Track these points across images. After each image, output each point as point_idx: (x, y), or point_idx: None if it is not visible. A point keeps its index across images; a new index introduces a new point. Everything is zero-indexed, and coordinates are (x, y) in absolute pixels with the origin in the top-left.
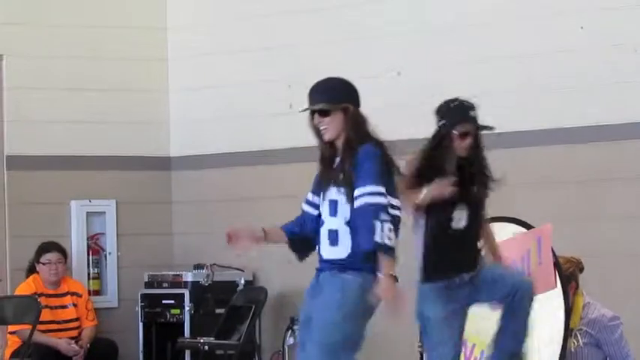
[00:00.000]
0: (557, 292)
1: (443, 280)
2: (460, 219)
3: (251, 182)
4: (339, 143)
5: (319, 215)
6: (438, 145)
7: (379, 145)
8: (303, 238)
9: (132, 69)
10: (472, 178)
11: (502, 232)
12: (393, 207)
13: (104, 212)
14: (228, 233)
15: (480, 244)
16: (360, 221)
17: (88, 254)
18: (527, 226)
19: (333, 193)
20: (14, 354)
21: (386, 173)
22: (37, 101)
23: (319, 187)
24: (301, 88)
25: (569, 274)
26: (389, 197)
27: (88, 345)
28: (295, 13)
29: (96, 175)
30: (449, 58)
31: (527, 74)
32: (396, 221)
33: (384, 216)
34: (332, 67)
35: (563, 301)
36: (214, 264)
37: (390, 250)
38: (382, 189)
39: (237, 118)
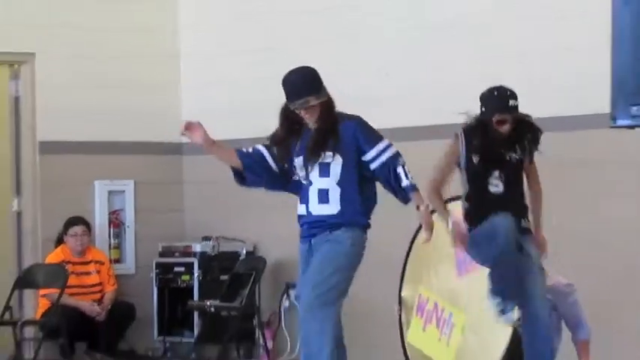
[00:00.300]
0: None
1: None
2: (497, 185)
3: None
4: (319, 124)
5: (284, 174)
6: (477, 128)
7: (353, 117)
8: (251, 169)
9: (149, 66)
10: (509, 149)
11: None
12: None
13: (124, 191)
14: (187, 123)
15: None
16: (391, 173)
17: (110, 227)
18: None
19: (327, 157)
20: (44, 315)
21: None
22: (65, 94)
23: (287, 155)
24: None
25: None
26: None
27: (109, 306)
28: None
29: (117, 158)
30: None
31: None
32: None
33: (402, 160)
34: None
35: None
36: (220, 236)
37: (416, 186)
38: (388, 141)
39: (241, 110)
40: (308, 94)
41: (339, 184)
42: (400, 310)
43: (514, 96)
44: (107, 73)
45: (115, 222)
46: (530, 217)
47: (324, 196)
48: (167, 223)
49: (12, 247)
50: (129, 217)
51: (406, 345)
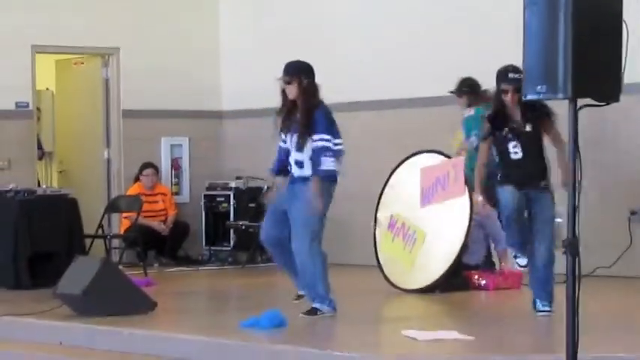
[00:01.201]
0: (465, 197)
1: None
2: (516, 152)
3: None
4: (299, 103)
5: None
6: (494, 105)
7: (323, 109)
8: (285, 167)
9: (200, 58)
10: (523, 122)
11: (432, 160)
12: (337, 144)
13: (181, 144)
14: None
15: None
16: (315, 157)
17: (171, 169)
18: (448, 157)
19: (302, 136)
20: (126, 231)
21: (332, 124)
22: (140, 77)
23: (285, 131)
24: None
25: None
26: (334, 139)
27: (171, 225)
28: None
29: (176, 121)
30: None
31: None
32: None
33: (329, 153)
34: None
35: (469, 199)
36: (248, 176)
37: (327, 172)
38: (328, 136)
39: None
40: (291, 75)
41: (310, 157)
42: (375, 225)
43: (516, 70)
44: (168, 63)
45: (176, 166)
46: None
47: (300, 165)
48: (211, 166)
49: (103, 183)
50: (185, 162)
51: (379, 251)
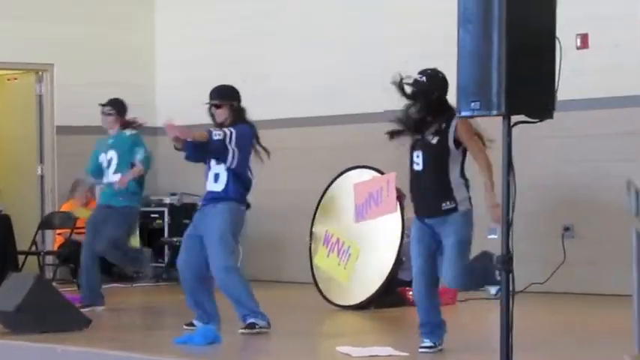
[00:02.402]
0: (397, 213)
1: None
2: (418, 163)
3: None
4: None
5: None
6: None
7: (247, 126)
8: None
9: (135, 73)
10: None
11: (365, 175)
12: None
13: None
14: (168, 124)
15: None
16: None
17: None
18: (381, 172)
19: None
20: (60, 247)
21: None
22: (74, 93)
23: None
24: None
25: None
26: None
27: None
28: None
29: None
30: None
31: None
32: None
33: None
34: None
35: (401, 216)
36: (183, 192)
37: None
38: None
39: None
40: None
41: (227, 169)
42: (310, 241)
43: (411, 78)
44: (103, 79)
45: None
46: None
47: (217, 178)
48: (146, 182)
49: (37, 200)
50: None
51: (313, 266)
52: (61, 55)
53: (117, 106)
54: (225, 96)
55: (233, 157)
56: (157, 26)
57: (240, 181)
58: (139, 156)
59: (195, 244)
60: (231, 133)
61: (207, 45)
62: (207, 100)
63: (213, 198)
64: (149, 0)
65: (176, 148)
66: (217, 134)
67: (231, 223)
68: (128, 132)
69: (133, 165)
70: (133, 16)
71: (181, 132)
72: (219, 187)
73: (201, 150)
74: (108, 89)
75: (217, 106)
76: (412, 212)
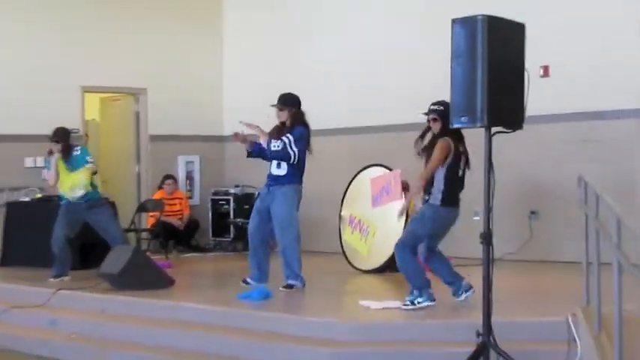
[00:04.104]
0: (402, 201)
1: None
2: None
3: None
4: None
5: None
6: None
7: (304, 126)
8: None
9: (208, 95)
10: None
11: (378, 172)
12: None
13: (193, 161)
14: (235, 134)
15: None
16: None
17: (186, 180)
18: (390, 169)
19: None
20: (152, 226)
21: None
22: (163, 111)
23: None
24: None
25: (406, 189)
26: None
27: (186, 221)
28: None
29: (190, 144)
30: None
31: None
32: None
33: (279, 156)
34: None
35: (405, 203)
36: (244, 185)
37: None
38: (294, 149)
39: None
40: (279, 103)
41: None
42: (340, 222)
43: (433, 104)
44: (183, 99)
45: (189, 177)
46: None
47: (278, 165)
48: (216, 177)
49: (134, 190)
50: (196, 174)
51: (342, 241)
52: (151, 81)
53: None
54: (287, 102)
55: (295, 156)
56: (224, 56)
57: (297, 166)
58: None
59: (262, 216)
60: (289, 140)
61: (264, 70)
62: (274, 104)
63: (278, 181)
64: (218, 34)
65: (248, 152)
66: (276, 145)
67: (296, 200)
68: None
69: None
70: (205, 48)
71: (243, 140)
72: (282, 172)
73: (260, 154)
74: (186, 106)
75: (280, 109)
76: (417, 199)
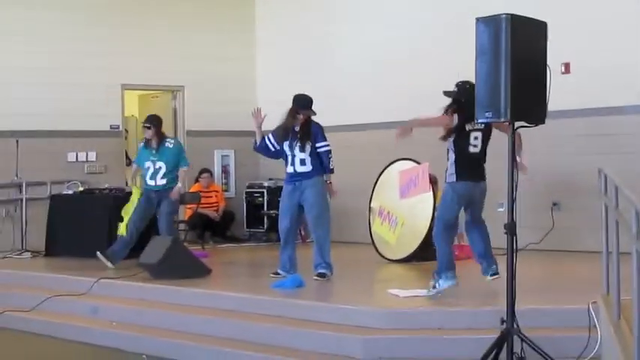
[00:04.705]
0: (430, 193)
1: None
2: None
3: None
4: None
5: (279, 152)
6: None
7: (318, 124)
8: (265, 148)
9: (242, 92)
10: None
11: (406, 165)
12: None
13: (229, 155)
14: (256, 110)
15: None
16: (324, 158)
17: (222, 173)
18: (418, 163)
19: (304, 142)
20: (189, 217)
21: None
22: (200, 108)
23: (282, 140)
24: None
25: (434, 182)
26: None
27: (221, 213)
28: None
29: (225, 138)
30: None
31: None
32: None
33: (330, 154)
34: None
35: (432, 195)
36: (277, 178)
37: (333, 170)
38: (327, 142)
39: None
40: (303, 108)
41: (310, 154)
42: (370, 213)
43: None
44: (218, 96)
45: (225, 171)
46: None
47: (303, 162)
48: (250, 171)
49: None
50: (232, 168)
51: (372, 232)
52: (189, 79)
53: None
54: (302, 106)
55: (310, 148)
56: (257, 58)
57: (319, 160)
58: None
59: (293, 212)
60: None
61: (293, 73)
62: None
63: (305, 176)
64: (252, 39)
65: (254, 144)
66: (322, 146)
67: (325, 192)
68: None
69: None
70: (240, 52)
71: (258, 116)
72: (307, 168)
73: (266, 152)
74: (221, 103)
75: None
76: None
